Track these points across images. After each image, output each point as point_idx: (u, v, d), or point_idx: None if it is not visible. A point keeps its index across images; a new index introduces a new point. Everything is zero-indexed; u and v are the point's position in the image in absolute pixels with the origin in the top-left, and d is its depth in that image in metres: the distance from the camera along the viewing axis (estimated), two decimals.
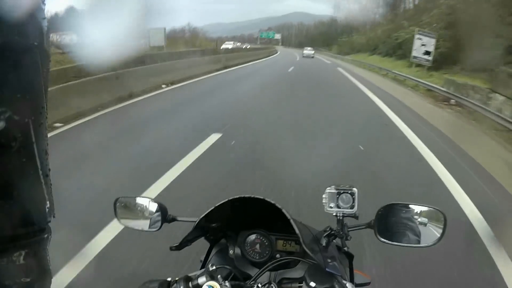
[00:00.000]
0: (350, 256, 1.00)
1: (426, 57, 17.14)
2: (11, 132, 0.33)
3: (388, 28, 34.96)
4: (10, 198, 0.34)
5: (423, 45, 17.10)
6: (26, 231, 0.36)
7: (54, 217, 0.38)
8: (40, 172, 0.37)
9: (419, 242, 0.88)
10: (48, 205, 0.38)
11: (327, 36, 71.08)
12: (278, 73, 17.51)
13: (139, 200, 1.00)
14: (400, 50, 24.26)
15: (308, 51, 40.02)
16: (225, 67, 17.43)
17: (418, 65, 17.72)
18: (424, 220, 0.89)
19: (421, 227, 0.89)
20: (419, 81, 13.67)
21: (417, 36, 17.45)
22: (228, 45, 39.07)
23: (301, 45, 66.68)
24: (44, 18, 0.35)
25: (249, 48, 42.88)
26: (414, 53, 17.57)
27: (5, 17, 0.31)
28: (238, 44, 58.15)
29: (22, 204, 0.35)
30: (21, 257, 0.36)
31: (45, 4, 0.35)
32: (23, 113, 0.34)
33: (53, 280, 0.40)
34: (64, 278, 2.15)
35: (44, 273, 0.38)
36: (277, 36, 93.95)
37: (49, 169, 0.38)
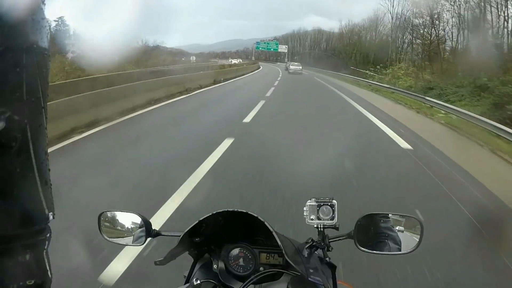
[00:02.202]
0: (332, 267, 1.02)
1: None
2: (11, 132, 0.33)
3: None
4: (10, 198, 0.34)
5: None
6: (26, 231, 0.36)
7: (53, 217, 0.38)
8: (40, 172, 0.37)
9: (399, 250, 0.91)
10: (47, 206, 0.37)
11: (361, 46, 37.36)
12: None
13: (124, 215, 1.00)
14: None
15: (295, 66, 34.46)
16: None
17: None
18: (401, 228, 0.92)
19: (399, 235, 0.92)
20: None
21: None
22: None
23: (319, 64, 40.78)
24: (44, 18, 0.35)
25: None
26: None
27: (5, 17, 0.31)
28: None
29: (22, 204, 0.35)
30: (21, 257, 0.36)
31: (45, 4, 0.35)
32: (23, 113, 0.34)
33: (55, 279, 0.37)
34: None
35: (44, 273, 0.38)
36: (283, 48, 61.39)
37: (49, 169, 0.38)
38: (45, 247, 0.38)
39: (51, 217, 0.38)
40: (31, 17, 0.34)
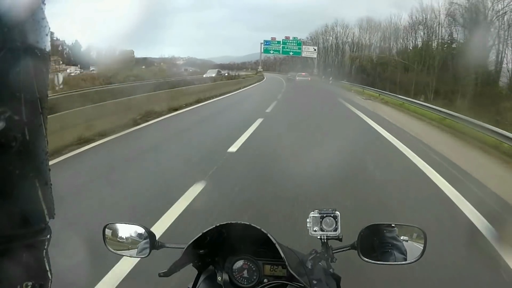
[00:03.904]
0: (337, 278, 1.01)
1: None
2: (11, 132, 0.33)
3: None
4: (9, 198, 0.34)
5: None
6: (26, 232, 0.36)
7: (53, 217, 0.38)
8: (40, 172, 0.37)
9: (405, 259, 0.91)
10: (47, 206, 0.37)
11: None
12: None
13: (128, 227, 1.01)
14: None
15: (302, 77, 31.58)
16: None
17: None
18: (405, 238, 0.93)
19: (404, 245, 0.93)
20: None
21: None
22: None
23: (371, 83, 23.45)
24: (44, 18, 0.35)
25: None
26: None
27: (5, 17, 0.31)
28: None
29: (21, 205, 0.35)
30: (21, 257, 0.36)
31: (45, 4, 0.35)
32: (23, 113, 0.34)
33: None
34: None
35: (44, 274, 0.38)
36: (309, 52, 38.29)
37: (49, 169, 0.38)
38: (45, 248, 0.38)
39: (51, 217, 0.38)
40: (31, 17, 0.34)
